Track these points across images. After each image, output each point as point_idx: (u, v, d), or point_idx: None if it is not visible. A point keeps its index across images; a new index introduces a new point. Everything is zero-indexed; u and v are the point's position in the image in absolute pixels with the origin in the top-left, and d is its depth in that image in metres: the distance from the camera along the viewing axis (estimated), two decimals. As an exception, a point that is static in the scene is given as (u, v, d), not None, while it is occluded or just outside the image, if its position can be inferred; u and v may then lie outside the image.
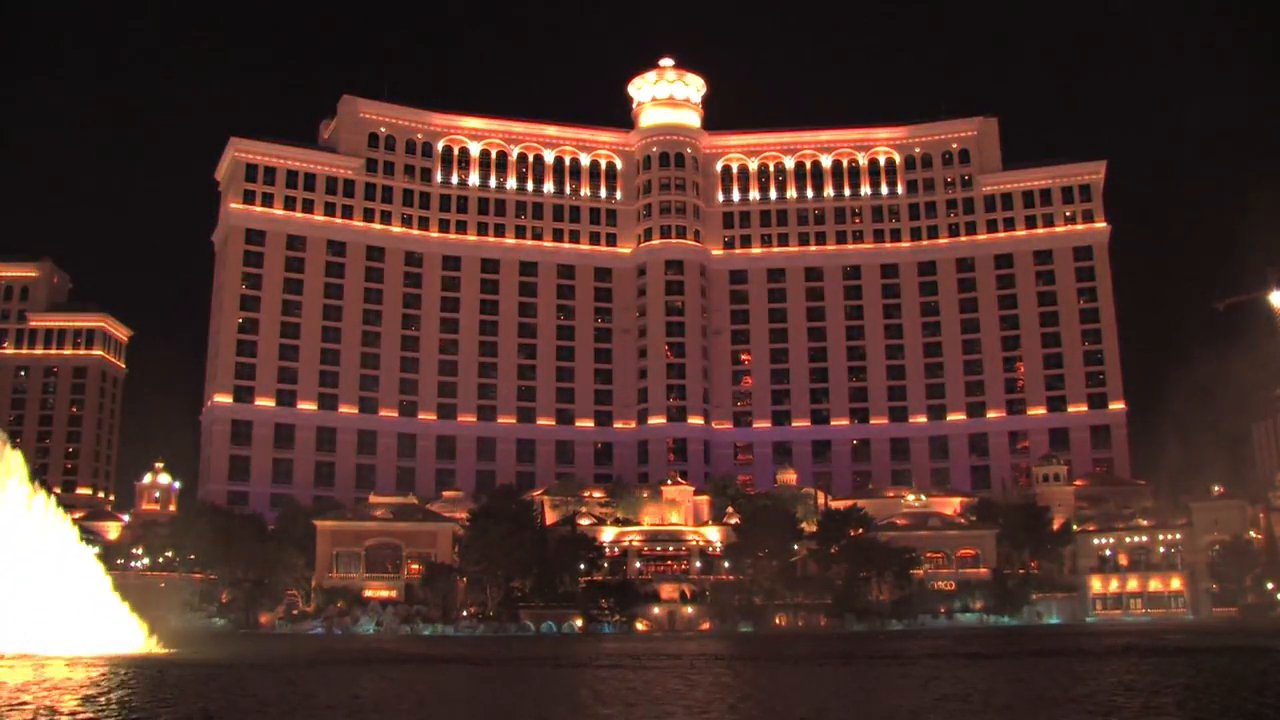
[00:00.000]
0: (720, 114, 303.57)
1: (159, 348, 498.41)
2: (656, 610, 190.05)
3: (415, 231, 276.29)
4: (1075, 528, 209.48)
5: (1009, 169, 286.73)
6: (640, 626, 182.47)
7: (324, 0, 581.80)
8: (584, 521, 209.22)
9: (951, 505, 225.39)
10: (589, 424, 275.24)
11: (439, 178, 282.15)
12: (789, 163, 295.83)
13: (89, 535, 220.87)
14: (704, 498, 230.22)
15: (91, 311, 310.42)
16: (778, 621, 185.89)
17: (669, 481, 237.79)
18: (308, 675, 69.02)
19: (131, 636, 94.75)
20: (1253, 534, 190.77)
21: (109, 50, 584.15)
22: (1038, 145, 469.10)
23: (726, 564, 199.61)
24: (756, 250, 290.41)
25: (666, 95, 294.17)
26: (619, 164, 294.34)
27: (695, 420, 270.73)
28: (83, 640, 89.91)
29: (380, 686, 61.76)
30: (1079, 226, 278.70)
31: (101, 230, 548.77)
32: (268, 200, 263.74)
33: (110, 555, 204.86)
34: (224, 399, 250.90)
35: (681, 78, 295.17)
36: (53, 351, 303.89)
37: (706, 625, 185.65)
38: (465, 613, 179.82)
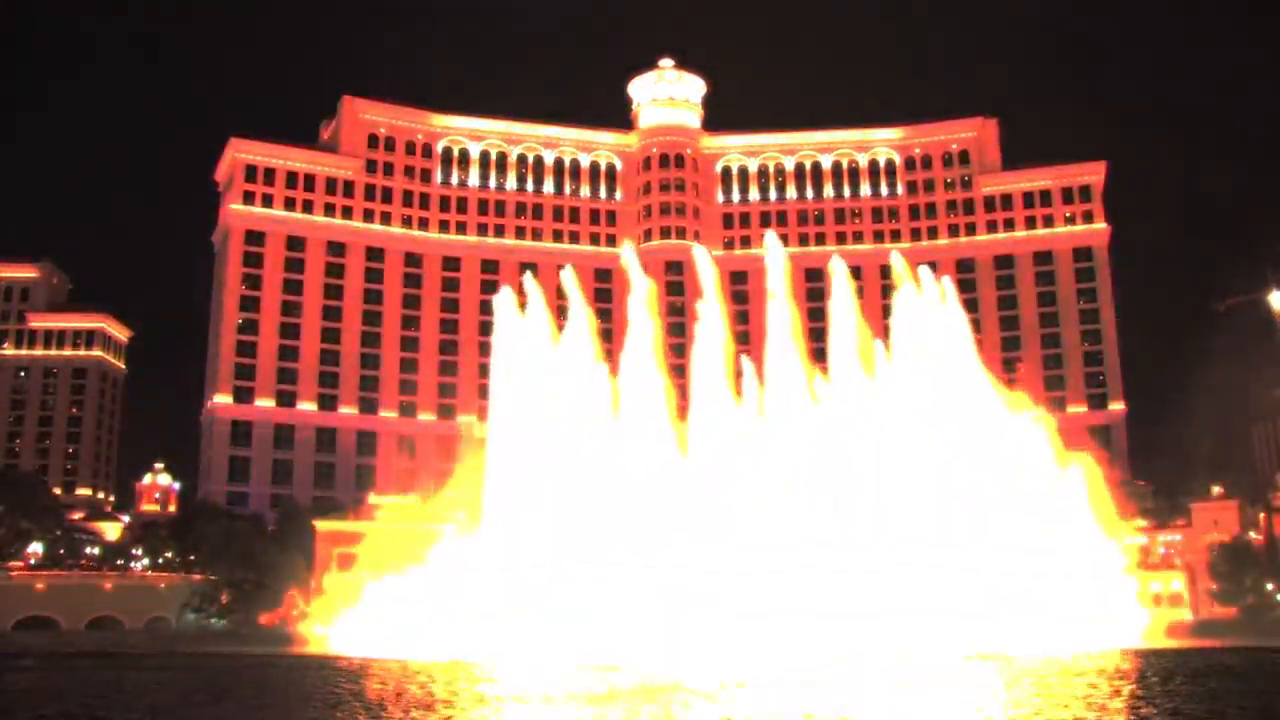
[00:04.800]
0: (720, 114, 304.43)
1: (159, 348, 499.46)
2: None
3: (415, 232, 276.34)
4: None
5: (1009, 170, 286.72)
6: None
7: (323, 0, 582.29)
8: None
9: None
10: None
11: (439, 178, 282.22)
12: (789, 163, 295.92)
13: (88, 535, 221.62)
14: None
15: (91, 312, 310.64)
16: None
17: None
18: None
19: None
20: (1252, 534, 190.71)
21: (109, 50, 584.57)
22: (1038, 146, 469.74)
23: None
24: (756, 251, 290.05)
25: (666, 95, 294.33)
26: (619, 164, 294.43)
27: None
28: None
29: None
30: (1079, 227, 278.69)
31: (101, 230, 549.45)
32: (268, 201, 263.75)
33: (110, 556, 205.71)
34: (224, 399, 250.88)
35: (681, 78, 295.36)
36: (53, 352, 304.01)
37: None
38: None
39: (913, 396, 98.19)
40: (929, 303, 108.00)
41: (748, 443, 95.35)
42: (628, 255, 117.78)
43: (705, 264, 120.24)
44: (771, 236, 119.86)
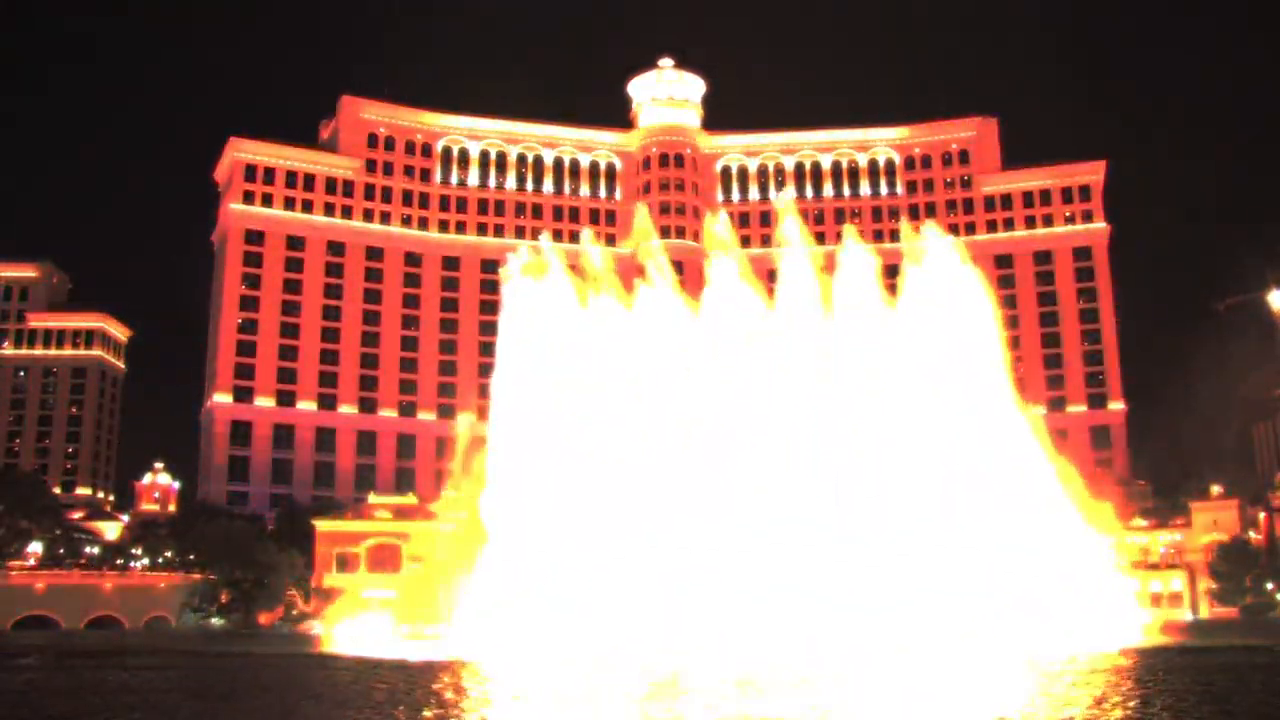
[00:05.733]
0: (720, 114, 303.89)
1: (159, 348, 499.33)
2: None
3: (415, 231, 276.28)
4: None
5: (1009, 169, 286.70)
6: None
7: (323, 0, 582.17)
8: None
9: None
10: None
11: (438, 178, 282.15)
12: (789, 163, 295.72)
13: (88, 535, 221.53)
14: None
15: (91, 311, 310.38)
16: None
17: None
18: None
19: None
20: (1252, 534, 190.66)
21: (108, 49, 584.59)
22: (1038, 145, 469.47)
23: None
24: (756, 251, 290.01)
25: (666, 95, 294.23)
26: (619, 164, 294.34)
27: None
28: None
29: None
30: (1078, 227, 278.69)
31: (101, 230, 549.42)
32: (267, 200, 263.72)
33: (110, 555, 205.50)
34: (224, 399, 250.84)
35: (681, 78, 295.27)
36: (52, 351, 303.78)
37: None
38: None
39: (918, 368, 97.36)
40: (937, 269, 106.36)
41: (751, 417, 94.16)
42: (639, 212, 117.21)
43: (719, 224, 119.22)
44: (785, 191, 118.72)
